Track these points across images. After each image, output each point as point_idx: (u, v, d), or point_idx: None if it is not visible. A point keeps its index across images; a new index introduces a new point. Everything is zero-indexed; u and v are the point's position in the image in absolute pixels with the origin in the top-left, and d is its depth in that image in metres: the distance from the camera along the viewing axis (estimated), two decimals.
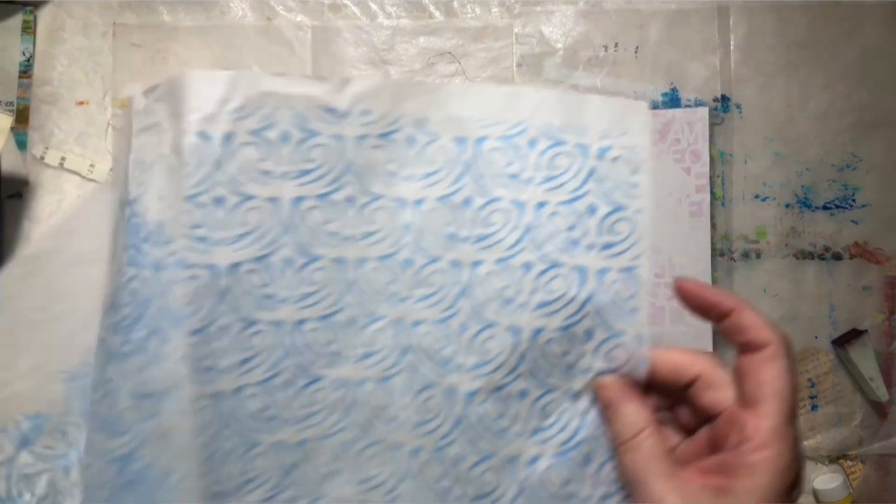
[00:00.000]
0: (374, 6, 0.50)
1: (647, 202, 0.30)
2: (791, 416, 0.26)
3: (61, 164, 0.49)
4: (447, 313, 0.31)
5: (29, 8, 0.49)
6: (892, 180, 0.48)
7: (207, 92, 0.29)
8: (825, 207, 0.48)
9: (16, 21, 0.49)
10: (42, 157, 0.49)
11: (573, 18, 0.49)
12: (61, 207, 0.49)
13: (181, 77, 0.29)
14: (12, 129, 0.46)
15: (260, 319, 0.30)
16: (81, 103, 0.49)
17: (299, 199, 0.30)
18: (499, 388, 0.30)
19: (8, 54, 0.49)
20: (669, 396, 0.30)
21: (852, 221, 0.48)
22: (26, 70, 0.49)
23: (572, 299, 0.30)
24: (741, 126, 0.48)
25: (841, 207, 0.48)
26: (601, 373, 0.30)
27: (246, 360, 0.30)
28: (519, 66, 0.49)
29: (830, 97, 0.48)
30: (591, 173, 0.31)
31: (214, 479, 0.30)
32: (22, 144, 0.49)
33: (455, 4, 0.50)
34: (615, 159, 0.31)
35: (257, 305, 0.30)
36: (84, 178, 0.49)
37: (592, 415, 0.30)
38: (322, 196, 0.30)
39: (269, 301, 0.30)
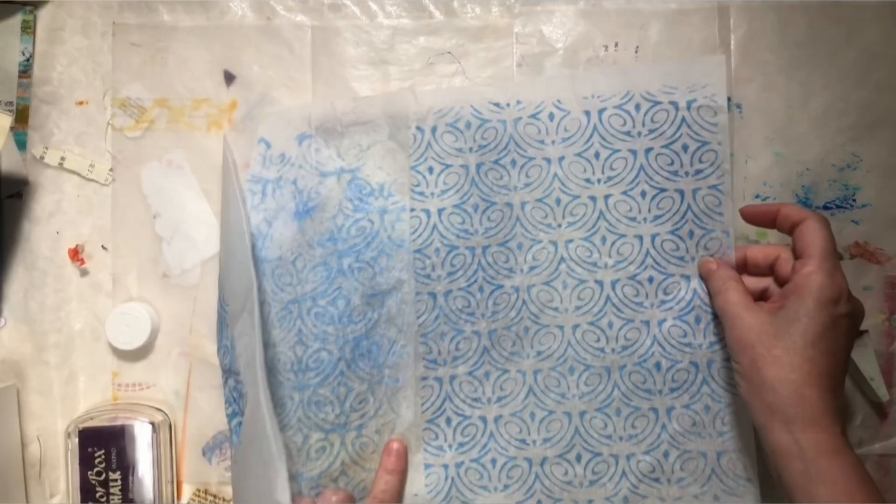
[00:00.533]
0: (374, 6, 0.49)
1: (725, 135, 0.43)
2: (827, 254, 0.37)
3: (61, 164, 0.49)
4: (590, 232, 0.44)
5: (29, 8, 0.49)
6: (893, 180, 0.48)
7: (420, 102, 0.45)
8: (825, 207, 0.48)
9: (15, 21, 0.49)
10: (42, 157, 0.49)
11: (573, 18, 0.49)
12: (61, 207, 0.49)
13: (397, 93, 0.45)
14: (12, 128, 0.46)
15: (459, 246, 0.44)
16: (81, 103, 0.49)
17: (480, 164, 0.44)
18: (633, 277, 0.44)
19: (8, 54, 0.49)
20: (762, 275, 0.42)
21: (852, 221, 0.48)
22: (26, 70, 0.49)
23: (676, 211, 0.43)
24: (741, 126, 0.48)
25: (841, 207, 0.48)
26: (702, 258, 0.43)
27: (451, 273, 0.44)
28: (519, 65, 0.49)
29: (830, 97, 0.48)
30: (682, 121, 0.43)
31: (428, 351, 0.44)
32: (22, 144, 0.49)
33: (455, 4, 0.49)
34: (700, 108, 0.43)
35: (457, 237, 0.44)
36: (84, 178, 0.49)
37: (699, 289, 0.43)
38: (495, 161, 0.44)
39: (465, 233, 0.44)
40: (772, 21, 0.49)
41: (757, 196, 0.48)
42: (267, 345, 0.43)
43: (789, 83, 0.49)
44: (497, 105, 0.44)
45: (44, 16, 0.50)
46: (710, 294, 0.42)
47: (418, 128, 0.45)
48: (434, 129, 0.44)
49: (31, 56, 0.49)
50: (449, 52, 0.49)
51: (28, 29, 0.49)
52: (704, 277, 0.43)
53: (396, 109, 0.45)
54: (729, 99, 0.48)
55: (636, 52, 0.49)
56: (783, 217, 0.40)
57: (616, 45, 0.49)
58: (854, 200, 0.48)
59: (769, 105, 0.49)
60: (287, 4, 0.49)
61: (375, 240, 0.44)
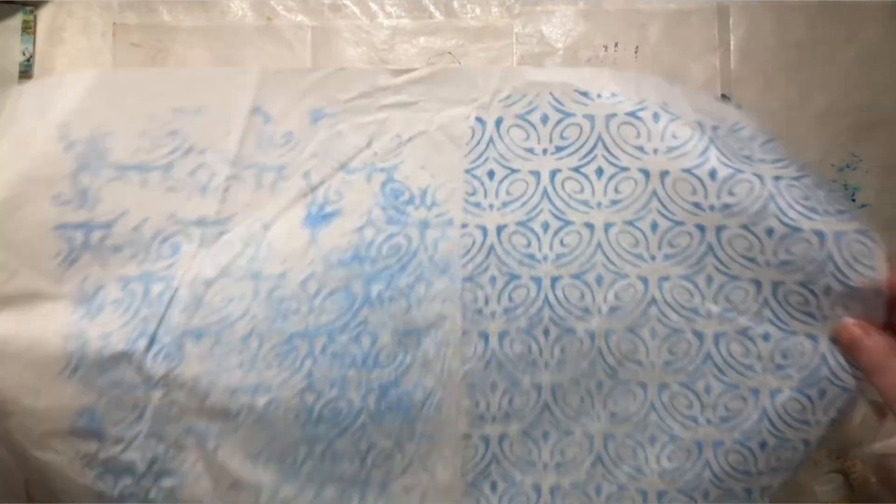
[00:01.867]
0: (374, 6, 0.50)
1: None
2: None
3: None
4: (693, 270, 0.34)
5: (29, 8, 0.49)
6: (892, 180, 0.48)
7: (483, 84, 0.35)
8: None
9: (16, 21, 0.49)
10: None
11: (573, 18, 0.49)
12: None
13: (454, 69, 0.36)
14: None
15: (522, 275, 0.34)
16: None
17: (555, 171, 0.34)
18: (744, 331, 0.33)
19: (8, 54, 0.49)
20: None
21: None
22: (26, 70, 0.49)
23: (812, 259, 0.32)
24: None
25: None
26: (840, 318, 0.32)
27: (509, 309, 0.34)
28: (519, 66, 0.49)
29: (830, 97, 0.48)
30: (711, 142, 0.33)
31: (475, 405, 0.35)
32: None
33: (455, 4, 0.50)
34: (735, 130, 0.34)
35: (520, 263, 0.34)
36: None
37: (829, 354, 0.32)
38: (575, 168, 0.34)
39: (530, 259, 0.34)
40: (771, 21, 0.49)
41: None
42: (257, 390, 0.34)
43: (789, 83, 0.49)
44: (585, 95, 0.34)
45: (44, 16, 0.50)
46: (861, 369, 0.32)
47: (478, 118, 0.35)
48: (499, 122, 0.35)
49: (32, 56, 0.49)
50: (449, 53, 0.49)
51: (28, 29, 0.49)
52: (848, 347, 0.33)
53: (450, 92, 0.35)
54: (728, 99, 0.48)
55: (636, 52, 0.49)
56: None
57: (616, 45, 0.49)
58: (853, 200, 0.48)
59: (769, 105, 0.49)
60: (287, 4, 0.50)
61: (413, 262, 0.35)
